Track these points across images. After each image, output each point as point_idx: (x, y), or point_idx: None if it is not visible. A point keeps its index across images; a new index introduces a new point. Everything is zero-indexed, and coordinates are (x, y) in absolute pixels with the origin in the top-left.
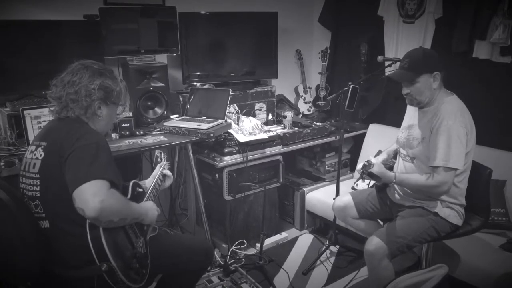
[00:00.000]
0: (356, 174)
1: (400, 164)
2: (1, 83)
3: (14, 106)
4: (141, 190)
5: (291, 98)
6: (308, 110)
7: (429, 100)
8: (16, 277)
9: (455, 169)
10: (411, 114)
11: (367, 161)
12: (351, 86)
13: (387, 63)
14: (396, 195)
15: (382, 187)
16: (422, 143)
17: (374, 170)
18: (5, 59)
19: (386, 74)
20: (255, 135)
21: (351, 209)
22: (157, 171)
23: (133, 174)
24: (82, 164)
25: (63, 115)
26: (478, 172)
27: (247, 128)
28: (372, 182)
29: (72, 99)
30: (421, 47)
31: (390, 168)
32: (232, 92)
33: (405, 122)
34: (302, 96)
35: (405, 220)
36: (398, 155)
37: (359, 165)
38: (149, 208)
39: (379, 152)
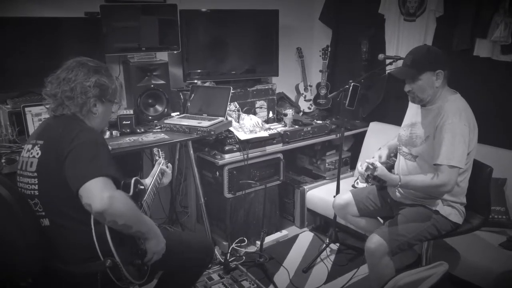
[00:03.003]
0: (356, 173)
1: (402, 163)
2: (2, 80)
3: (15, 103)
4: (142, 187)
5: (292, 96)
6: (309, 108)
7: (432, 98)
8: (18, 274)
9: (459, 168)
10: (413, 111)
11: (372, 164)
12: (352, 84)
13: (388, 61)
14: (397, 193)
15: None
16: (426, 141)
17: (378, 173)
18: (7, 56)
19: (388, 71)
20: (256, 133)
21: (351, 207)
22: (156, 169)
23: (134, 172)
24: (83, 161)
25: (59, 113)
26: (478, 170)
27: (248, 126)
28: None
29: (67, 96)
30: (426, 45)
31: (391, 167)
32: (232, 90)
33: (407, 120)
34: (302, 94)
35: (406, 218)
36: (398, 153)
37: (360, 165)
38: (159, 234)
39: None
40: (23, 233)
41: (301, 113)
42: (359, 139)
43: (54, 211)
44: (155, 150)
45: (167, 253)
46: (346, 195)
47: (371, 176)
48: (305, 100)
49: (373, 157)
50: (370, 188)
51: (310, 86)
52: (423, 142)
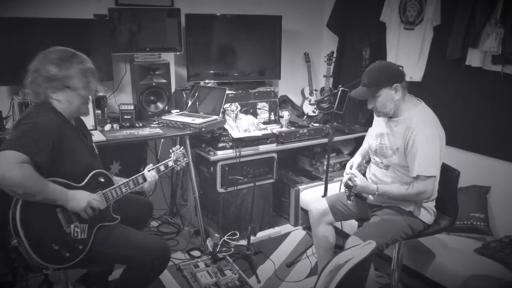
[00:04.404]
0: (348, 169)
1: (374, 170)
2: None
3: (24, 95)
4: (102, 180)
5: (298, 99)
6: (313, 112)
7: (395, 111)
8: None
9: (435, 177)
10: (380, 120)
11: (352, 182)
12: (341, 89)
13: None
14: (370, 196)
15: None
16: (396, 153)
17: (358, 190)
18: (26, 52)
19: (349, 93)
20: (250, 132)
21: (328, 216)
22: (145, 171)
23: (138, 165)
24: (10, 138)
25: (35, 101)
26: (447, 174)
27: (243, 125)
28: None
29: (26, 85)
30: (379, 61)
31: (363, 175)
32: (234, 91)
33: (376, 129)
34: (307, 98)
35: (382, 220)
36: (371, 161)
37: (349, 166)
38: (74, 197)
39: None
40: None
41: (305, 116)
42: (359, 143)
43: None
44: (175, 148)
45: (112, 247)
46: (322, 205)
47: (352, 195)
48: (309, 104)
49: (349, 169)
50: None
51: (316, 90)
52: (393, 154)
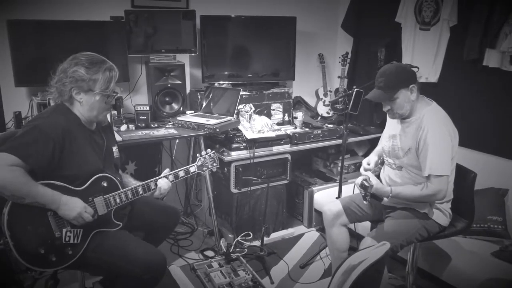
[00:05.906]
0: (362, 171)
1: (388, 171)
2: (43, 75)
3: (43, 96)
4: (105, 185)
5: (312, 100)
6: (328, 113)
7: (410, 112)
8: None
9: (447, 176)
10: (393, 121)
11: (368, 182)
12: (355, 89)
13: None
14: (385, 198)
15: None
16: (408, 154)
17: (373, 190)
18: (44, 53)
19: (366, 97)
20: (263, 133)
21: (342, 217)
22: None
23: (153, 165)
24: (11, 138)
25: (57, 101)
26: (463, 176)
27: (257, 126)
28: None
29: (52, 85)
30: (393, 63)
31: (377, 176)
32: (248, 92)
33: (388, 130)
34: (322, 99)
35: (397, 221)
36: (385, 162)
37: (362, 169)
38: (66, 204)
39: None
40: None
41: (319, 117)
42: (374, 145)
43: None
44: (204, 152)
45: (105, 254)
46: (336, 207)
47: (368, 195)
48: (324, 105)
49: (367, 165)
50: (356, 195)
51: (330, 91)
52: (405, 155)
